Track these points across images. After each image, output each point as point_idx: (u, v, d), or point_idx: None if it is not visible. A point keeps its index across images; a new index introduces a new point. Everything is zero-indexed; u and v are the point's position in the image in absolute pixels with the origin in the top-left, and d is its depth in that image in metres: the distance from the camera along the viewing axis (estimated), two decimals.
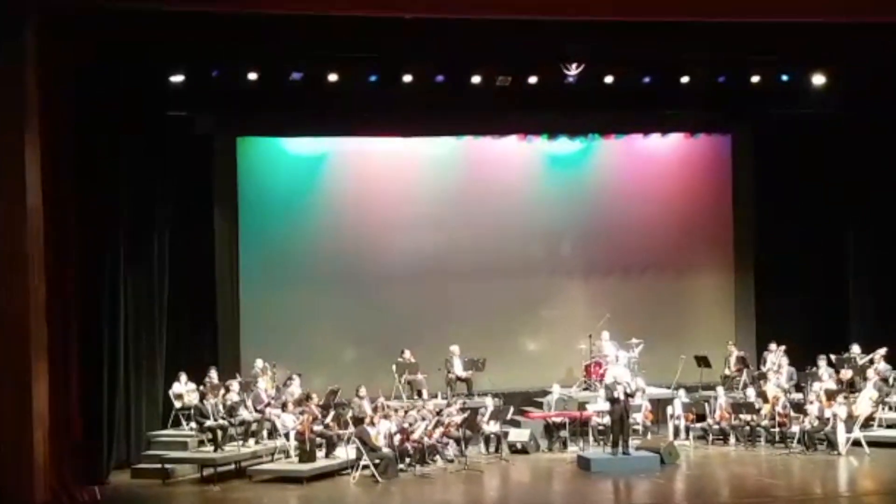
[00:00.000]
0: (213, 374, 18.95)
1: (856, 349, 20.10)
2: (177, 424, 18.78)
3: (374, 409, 18.16)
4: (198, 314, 20.05)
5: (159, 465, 17.44)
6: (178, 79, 18.54)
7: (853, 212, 21.55)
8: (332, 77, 19.05)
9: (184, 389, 18.77)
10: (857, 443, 18.13)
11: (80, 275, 16.90)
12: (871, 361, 19.68)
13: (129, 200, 18.10)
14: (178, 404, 18.75)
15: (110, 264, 17.65)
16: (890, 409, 19.39)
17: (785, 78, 20.33)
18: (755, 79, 20.11)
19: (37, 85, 14.91)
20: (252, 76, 18.75)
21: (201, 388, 18.49)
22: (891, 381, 19.54)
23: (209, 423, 17.63)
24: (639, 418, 18.87)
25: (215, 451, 17.52)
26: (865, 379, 19.31)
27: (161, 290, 19.14)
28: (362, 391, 18.72)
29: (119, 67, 17.14)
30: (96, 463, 17.03)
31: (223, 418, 17.77)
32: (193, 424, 18.09)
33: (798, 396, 19.54)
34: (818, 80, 20.07)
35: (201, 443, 17.97)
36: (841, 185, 21.46)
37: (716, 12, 15.55)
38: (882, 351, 19.70)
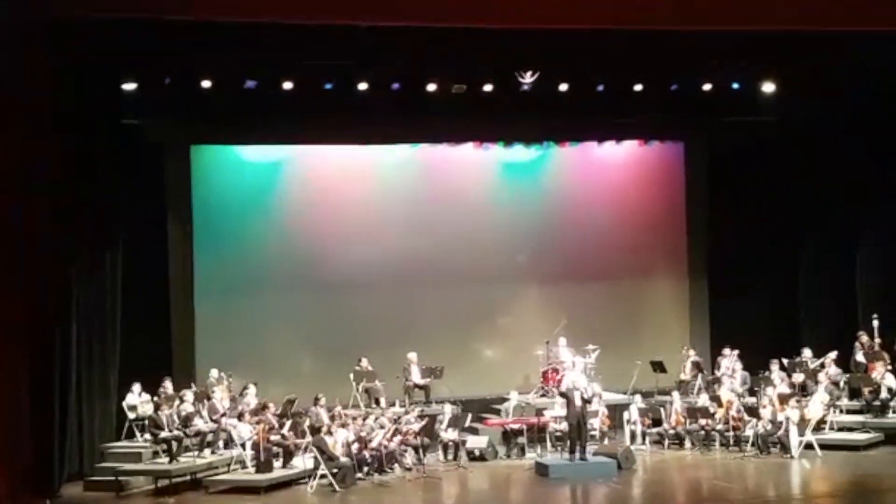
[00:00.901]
0: (168, 385, 18.77)
1: (807, 353, 20.31)
2: (131, 436, 18.58)
3: (332, 418, 18.10)
4: (152, 324, 19.86)
5: (113, 478, 17.23)
6: (131, 87, 18.42)
7: (804, 217, 21.79)
8: (288, 85, 19.02)
9: (138, 400, 18.58)
10: (809, 446, 18.30)
11: (31, 284, 16.64)
12: (823, 365, 19.90)
13: (82, 209, 17.91)
14: (132, 415, 18.55)
15: (62, 273, 17.44)
16: (841, 412, 19.60)
17: (736, 85, 20.57)
18: (707, 86, 20.37)
19: None
20: (206, 84, 18.67)
21: (156, 398, 18.31)
22: (841, 384, 19.77)
23: (164, 434, 17.44)
24: (595, 424, 18.94)
25: (170, 462, 17.34)
26: (817, 383, 19.50)
27: (114, 299, 18.95)
28: (322, 400, 18.65)
29: (71, 76, 16.96)
30: (48, 477, 16.80)
31: (178, 429, 17.60)
32: (148, 436, 17.91)
33: (752, 400, 19.71)
34: (768, 87, 20.32)
35: (156, 454, 17.77)
36: (792, 191, 21.71)
37: (668, 21, 15.66)
38: (832, 355, 19.95)
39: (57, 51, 15.82)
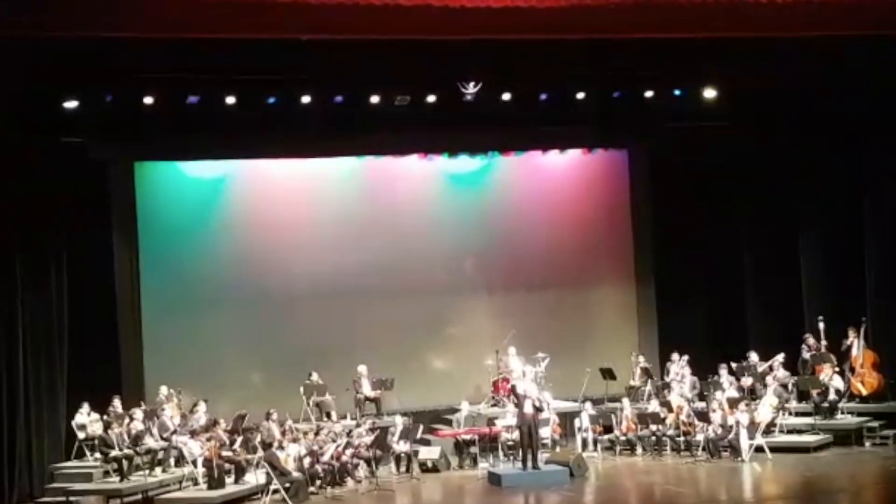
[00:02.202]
0: (117, 403, 18.66)
1: (754, 357, 20.47)
2: (81, 455, 18.44)
3: (283, 433, 18.03)
4: (100, 342, 19.62)
5: (63, 498, 17.09)
6: (71, 104, 18.27)
7: (748, 221, 22.02)
8: (230, 99, 18.93)
9: (87, 420, 18.46)
10: (759, 449, 18.41)
11: None
12: (771, 368, 20.06)
13: (25, 229, 17.73)
14: (81, 435, 18.42)
15: (6, 294, 17.29)
16: (790, 414, 19.77)
17: (677, 93, 20.72)
18: (648, 94, 20.48)
19: None
20: (148, 100, 18.55)
21: (105, 417, 18.22)
22: (790, 387, 19.95)
23: (114, 453, 17.34)
24: (547, 432, 19.00)
25: (121, 481, 17.26)
26: (765, 386, 19.68)
27: (60, 318, 18.79)
28: (274, 415, 18.58)
29: (9, 94, 16.80)
30: None
31: (128, 447, 17.48)
32: (98, 455, 17.79)
33: (701, 405, 19.77)
34: (710, 93, 20.50)
35: (106, 473, 17.67)
36: (735, 195, 21.93)
37: (608, 29, 15.79)
38: (780, 357, 20.10)
39: None
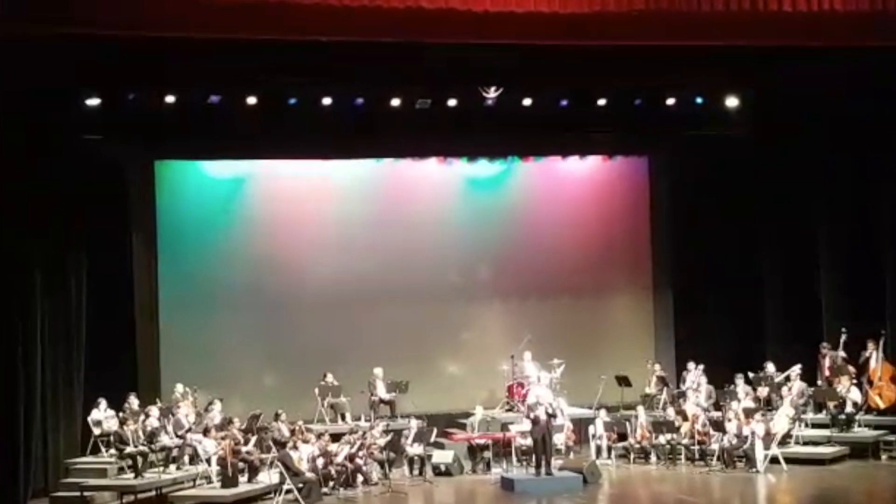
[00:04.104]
0: (133, 400, 18.73)
1: (771, 367, 20.36)
2: (96, 451, 18.53)
3: (292, 433, 18.06)
4: (116, 340, 19.74)
5: (78, 493, 17.16)
6: (93, 102, 18.35)
7: (768, 231, 21.91)
8: (251, 100, 19.00)
9: (103, 416, 18.53)
10: (775, 459, 18.29)
11: None
12: (788, 379, 19.95)
13: (45, 226, 17.83)
14: (97, 431, 18.51)
15: (25, 291, 17.38)
16: (807, 426, 19.65)
17: (700, 100, 20.68)
18: (670, 101, 20.44)
19: None
20: (170, 99, 18.63)
21: (121, 414, 18.27)
22: (806, 398, 19.86)
23: (129, 449, 17.40)
24: (561, 439, 18.96)
25: (135, 477, 17.28)
26: (782, 397, 19.58)
27: (79, 315, 18.90)
28: (283, 416, 18.65)
29: (33, 92, 16.89)
30: (13, 492, 16.74)
31: (143, 444, 17.54)
32: (113, 451, 17.86)
33: (717, 414, 19.69)
34: (732, 101, 20.44)
35: (121, 469, 17.72)
36: (756, 205, 21.85)
37: (630, 36, 15.75)
38: (797, 368, 19.96)
39: (15, 66, 15.78)
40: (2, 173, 16.62)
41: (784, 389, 19.68)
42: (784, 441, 18.78)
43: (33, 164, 17.41)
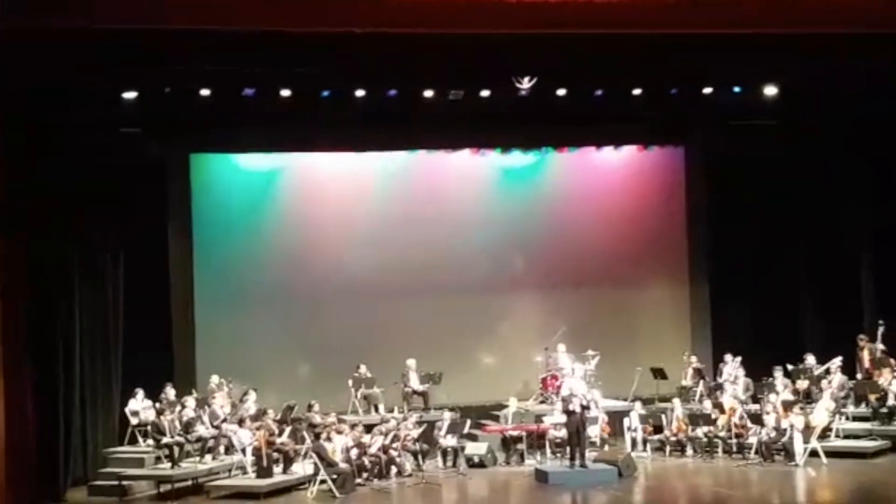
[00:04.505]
0: (170, 391, 18.92)
1: (811, 360, 20.19)
2: (133, 441, 18.70)
3: (325, 425, 18.10)
4: (154, 330, 19.89)
5: (116, 482, 17.34)
6: (130, 96, 18.45)
7: (807, 221, 21.69)
8: (285, 92, 19.03)
9: (140, 406, 18.70)
10: (814, 453, 18.12)
11: (34, 294, 16.79)
12: (828, 371, 19.76)
13: (82, 220, 17.95)
14: (134, 421, 18.69)
15: (64, 285, 17.54)
16: (847, 419, 19.45)
17: (737, 89, 20.47)
18: (707, 90, 20.26)
19: None
20: (205, 92, 18.70)
21: (157, 404, 18.45)
22: (846, 390, 19.65)
23: (166, 439, 17.56)
24: (595, 431, 18.89)
25: (172, 467, 17.44)
26: (821, 389, 19.38)
27: (116, 306, 19.10)
28: (315, 407, 18.73)
29: (72, 86, 17.00)
30: (53, 481, 16.98)
31: (180, 435, 17.70)
32: (150, 441, 18.03)
33: (755, 407, 19.54)
34: (770, 90, 20.23)
35: (158, 459, 17.90)
36: (794, 195, 21.63)
37: (666, 25, 15.62)
38: (837, 361, 19.77)
39: (53, 60, 15.90)
40: (39, 168, 16.77)
41: (824, 382, 19.50)
42: (824, 434, 18.59)
43: (70, 158, 17.54)
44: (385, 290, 21.32)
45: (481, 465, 18.80)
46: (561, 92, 19.78)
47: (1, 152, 14.95)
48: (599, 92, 20.08)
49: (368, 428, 18.41)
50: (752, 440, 18.68)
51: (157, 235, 20.31)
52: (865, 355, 20.00)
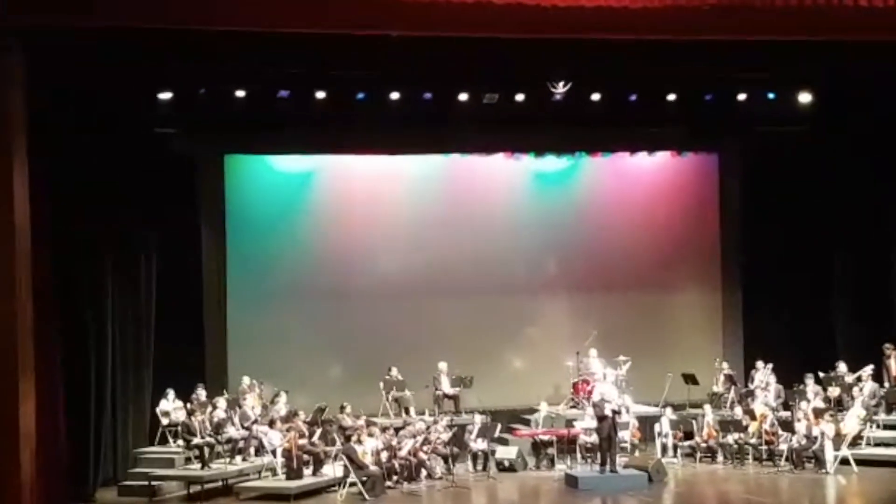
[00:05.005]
0: (201, 392, 18.92)
1: (843, 368, 20.11)
2: (164, 442, 18.76)
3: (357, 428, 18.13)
4: (185, 331, 19.95)
5: (146, 483, 17.37)
6: (165, 96, 18.56)
7: (840, 228, 21.55)
8: (320, 95, 19.09)
9: (171, 407, 18.76)
10: (845, 461, 18.06)
11: (67, 294, 16.87)
12: (859, 379, 19.67)
13: (116, 221, 18.06)
14: (165, 421, 18.75)
15: (97, 285, 17.63)
16: (878, 427, 19.36)
17: (772, 96, 20.42)
18: (742, 97, 20.22)
19: (23, 106, 14.83)
20: (240, 94, 18.79)
21: (188, 405, 18.47)
22: (877, 398, 19.54)
23: (196, 440, 17.58)
24: (626, 436, 18.85)
25: (202, 468, 17.47)
26: (853, 397, 19.29)
27: (148, 306, 19.15)
28: (347, 408, 18.74)
29: (107, 86, 17.11)
30: (83, 481, 17.05)
31: (210, 435, 17.73)
32: (181, 441, 18.06)
33: (786, 414, 19.50)
34: (804, 97, 20.16)
35: (188, 460, 17.91)
36: (828, 202, 21.50)
37: (701, 31, 15.57)
38: (869, 369, 19.69)
39: (92, 62, 16.00)
40: (75, 167, 16.85)
41: (855, 390, 19.40)
42: (855, 442, 18.50)
43: (106, 157, 17.62)
44: (417, 292, 21.38)
45: (511, 469, 18.81)
46: (595, 97, 19.80)
47: (33, 154, 14.98)
48: (634, 97, 20.06)
49: (399, 431, 18.44)
50: (783, 447, 18.65)
51: (191, 236, 20.39)
52: (892, 363, 19.89)
